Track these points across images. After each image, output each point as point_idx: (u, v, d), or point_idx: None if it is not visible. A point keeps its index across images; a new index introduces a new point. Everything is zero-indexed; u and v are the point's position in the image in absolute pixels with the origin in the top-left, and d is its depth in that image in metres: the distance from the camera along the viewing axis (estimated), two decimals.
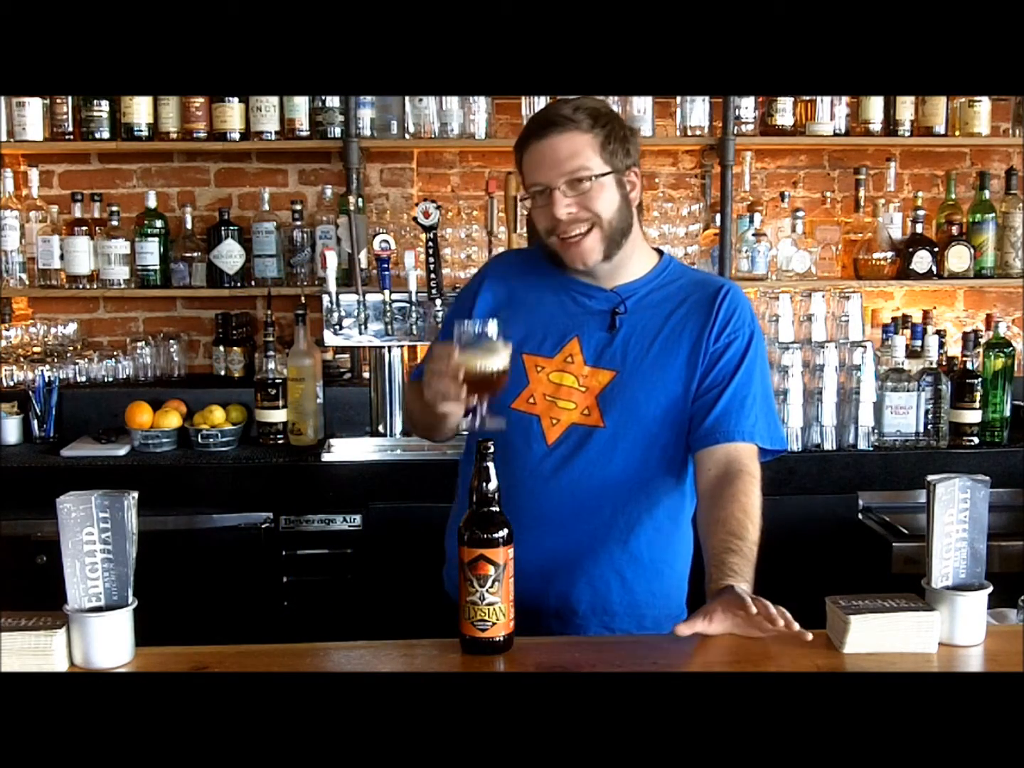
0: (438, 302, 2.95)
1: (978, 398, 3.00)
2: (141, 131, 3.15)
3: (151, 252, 3.19)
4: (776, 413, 1.82)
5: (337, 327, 2.94)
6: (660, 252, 1.84)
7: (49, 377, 3.08)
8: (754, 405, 1.73)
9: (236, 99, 3.14)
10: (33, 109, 3.12)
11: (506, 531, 1.44)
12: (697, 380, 1.73)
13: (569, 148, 1.65)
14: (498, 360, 1.58)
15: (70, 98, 3.14)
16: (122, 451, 2.88)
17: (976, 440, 3.01)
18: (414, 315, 2.94)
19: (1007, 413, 3.04)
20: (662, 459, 1.74)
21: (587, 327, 1.74)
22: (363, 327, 2.95)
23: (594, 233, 1.68)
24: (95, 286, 3.20)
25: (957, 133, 3.31)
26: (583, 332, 1.74)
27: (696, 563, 1.75)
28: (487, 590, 1.42)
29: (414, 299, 2.94)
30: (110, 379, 3.24)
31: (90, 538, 1.39)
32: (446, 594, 1.84)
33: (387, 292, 2.92)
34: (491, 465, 1.46)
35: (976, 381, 3.00)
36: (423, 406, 1.68)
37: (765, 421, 1.74)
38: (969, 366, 3.03)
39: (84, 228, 3.16)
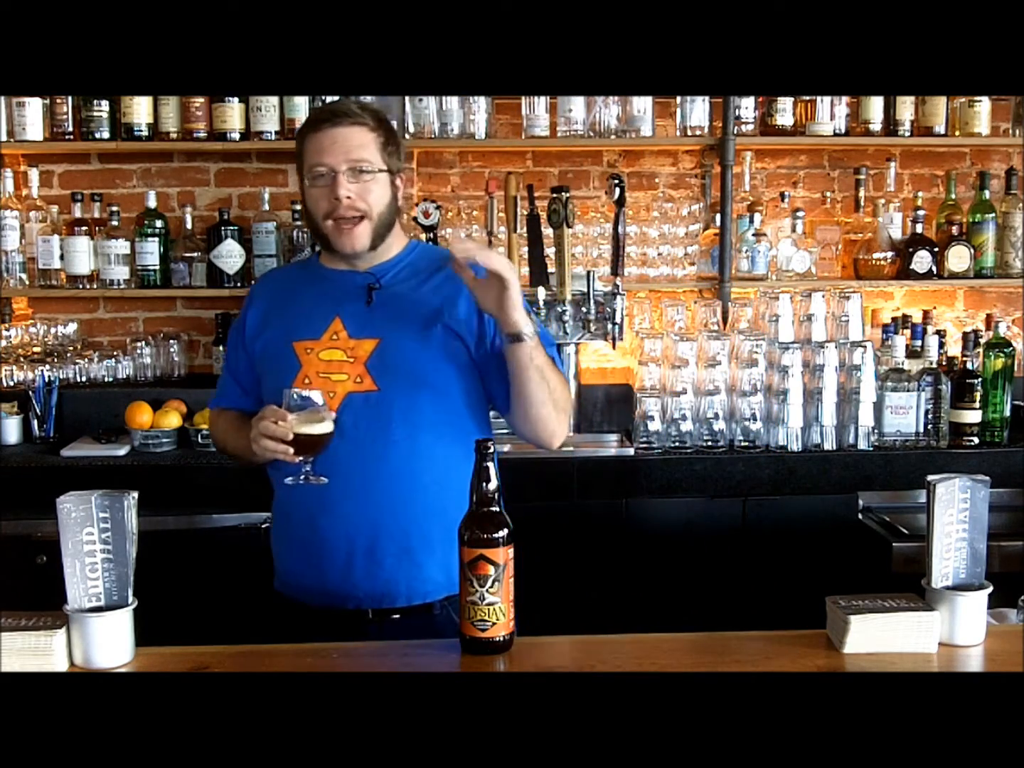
0: None
1: (978, 398, 3.00)
2: (141, 131, 3.15)
3: (151, 252, 3.19)
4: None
5: None
6: (409, 239, 1.99)
7: (49, 377, 3.08)
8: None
9: (236, 99, 3.14)
10: (33, 109, 3.11)
11: (506, 531, 1.44)
12: (473, 344, 1.84)
13: (357, 139, 1.81)
14: (324, 425, 1.71)
15: (70, 98, 3.13)
16: (122, 451, 2.88)
17: (976, 440, 3.01)
18: None
19: (1007, 413, 3.04)
20: (440, 412, 1.84)
21: (346, 305, 1.87)
22: None
23: (364, 223, 1.83)
24: (95, 286, 3.19)
25: (957, 133, 3.30)
26: (343, 310, 1.87)
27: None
28: (487, 590, 1.42)
29: None
30: (110, 379, 3.24)
31: (90, 538, 1.39)
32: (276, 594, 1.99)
33: None
34: (491, 465, 1.46)
35: (976, 381, 3.00)
36: (238, 443, 1.87)
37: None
38: (969, 366, 3.03)
39: (84, 228, 3.16)
